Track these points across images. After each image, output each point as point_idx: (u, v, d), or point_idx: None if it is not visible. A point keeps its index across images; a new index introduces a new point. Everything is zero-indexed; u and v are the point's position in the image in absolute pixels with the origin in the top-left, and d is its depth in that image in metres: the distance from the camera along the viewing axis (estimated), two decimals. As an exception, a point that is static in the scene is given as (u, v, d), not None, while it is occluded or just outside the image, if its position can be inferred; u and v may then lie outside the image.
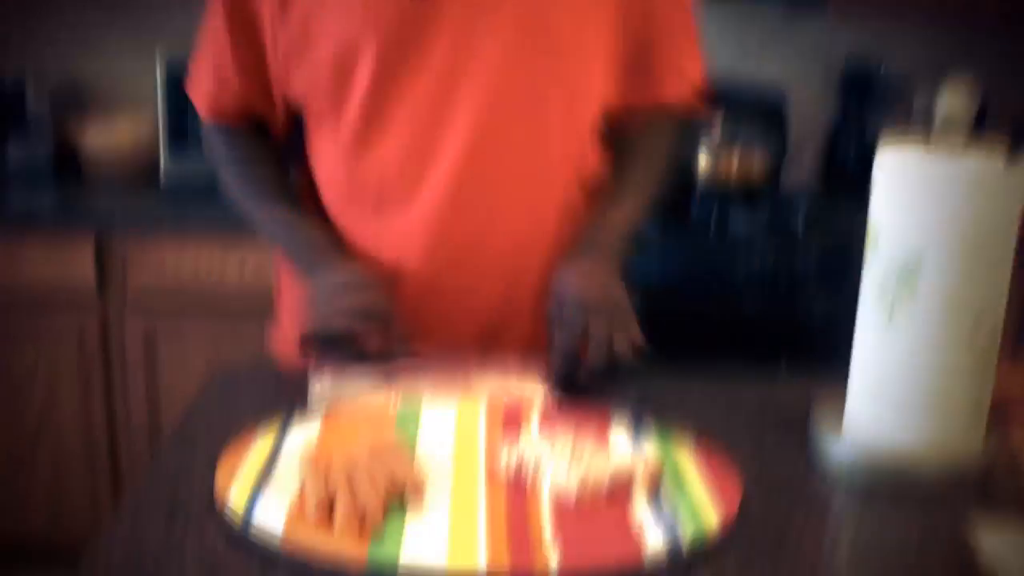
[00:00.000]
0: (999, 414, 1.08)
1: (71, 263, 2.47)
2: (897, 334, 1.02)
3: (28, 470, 2.59)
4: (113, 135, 2.81)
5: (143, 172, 2.79)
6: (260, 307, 2.42)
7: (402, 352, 1.20)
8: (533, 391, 1.17)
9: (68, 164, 2.83)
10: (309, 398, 1.14)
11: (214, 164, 1.48)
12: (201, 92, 1.42)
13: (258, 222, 1.44)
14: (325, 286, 1.27)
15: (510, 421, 1.08)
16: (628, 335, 1.21)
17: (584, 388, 1.19)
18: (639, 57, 1.38)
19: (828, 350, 2.39)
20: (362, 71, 1.27)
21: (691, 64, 1.44)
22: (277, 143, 1.45)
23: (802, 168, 3.05)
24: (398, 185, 1.32)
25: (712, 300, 2.45)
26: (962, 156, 0.99)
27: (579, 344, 1.20)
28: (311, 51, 1.30)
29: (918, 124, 2.93)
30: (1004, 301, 1.02)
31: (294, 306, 1.41)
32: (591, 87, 1.37)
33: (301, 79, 1.33)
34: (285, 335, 1.47)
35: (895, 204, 1.01)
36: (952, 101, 0.98)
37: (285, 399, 1.15)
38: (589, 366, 1.19)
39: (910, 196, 0.99)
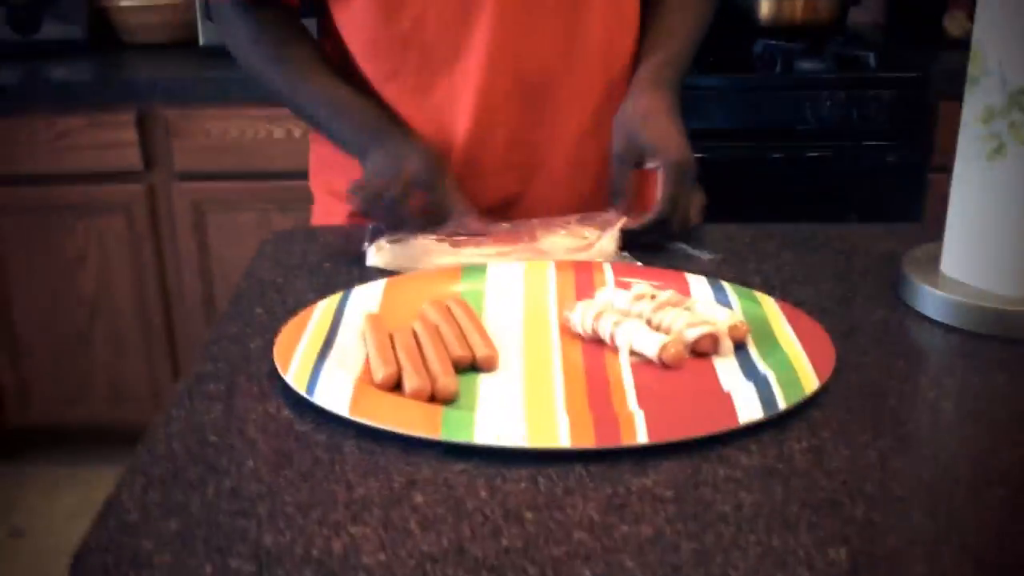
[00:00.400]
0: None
1: (114, 136, 2.45)
2: (1004, 171, 0.95)
3: (85, 350, 2.62)
4: (147, 2, 2.76)
5: (181, 39, 2.75)
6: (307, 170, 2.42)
7: (460, 223, 1.15)
8: (605, 243, 1.12)
9: (104, 36, 2.80)
10: (366, 260, 1.10)
11: (236, 47, 1.36)
12: None
13: (298, 105, 1.35)
14: (379, 162, 1.21)
15: (582, 279, 1.03)
16: (699, 197, 1.17)
17: (654, 245, 1.14)
18: None
19: (903, 200, 2.36)
20: None
21: None
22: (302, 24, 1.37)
23: (872, 7, 2.93)
24: (439, 45, 1.25)
25: (777, 148, 2.38)
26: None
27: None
28: None
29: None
30: None
31: (331, 191, 1.40)
32: None
33: None
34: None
35: (1005, 18, 0.92)
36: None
37: (344, 265, 1.11)
38: (668, 230, 1.14)
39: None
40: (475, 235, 1.14)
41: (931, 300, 0.98)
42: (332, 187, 1.38)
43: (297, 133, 2.40)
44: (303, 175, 2.40)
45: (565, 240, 1.13)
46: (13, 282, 2.56)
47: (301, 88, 1.31)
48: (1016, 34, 0.91)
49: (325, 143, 1.39)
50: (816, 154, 2.39)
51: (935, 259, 1.03)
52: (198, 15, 2.62)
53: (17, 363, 2.63)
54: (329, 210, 1.40)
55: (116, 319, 2.58)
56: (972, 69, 0.97)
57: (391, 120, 1.26)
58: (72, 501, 2.60)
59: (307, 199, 2.45)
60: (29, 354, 2.63)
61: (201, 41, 2.64)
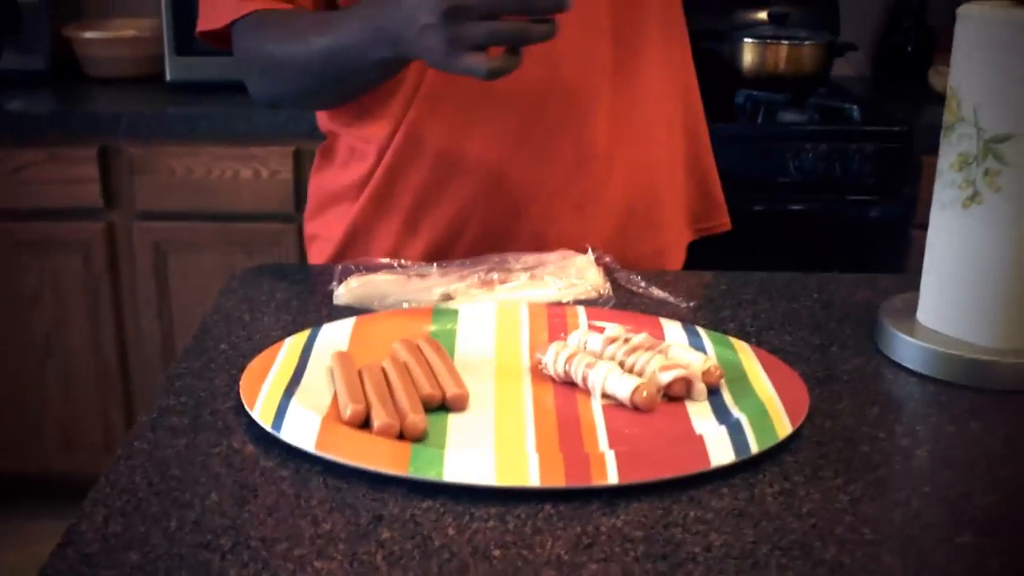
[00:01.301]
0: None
1: (74, 172, 2.47)
2: (978, 219, 0.98)
3: (37, 393, 2.61)
4: (113, 34, 2.80)
5: (146, 73, 2.78)
6: (277, 216, 2.44)
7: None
8: (581, 275, 1.15)
9: (66, 70, 2.83)
10: (335, 301, 1.12)
11: (271, 56, 1.26)
12: None
13: (306, 56, 1.21)
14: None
15: (555, 321, 1.05)
16: None
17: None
18: None
19: (885, 253, 2.41)
20: None
21: None
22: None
23: (856, 59, 3.00)
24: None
25: (760, 199, 2.42)
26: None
27: None
28: None
29: None
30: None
31: (329, 196, 1.38)
32: None
33: None
34: (320, 231, 1.41)
35: (980, 69, 0.96)
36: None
37: (313, 302, 1.14)
38: None
39: (998, 58, 0.95)
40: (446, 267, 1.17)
41: (906, 349, 1.01)
42: (328, 230, 1.39)
43: (265, 173, 2.43)
44: (271, 217, 2.46)
45: (542, 283, 1.15)
46: (-38, 320, 2.57)
47: (296, 46, 1.22)
48: (990, 81, 0.95)
49: (326, 177, 1.40)
50: (798, 207, 2.43)
51: (912, 308, 1.06)
52: (166, 49, 2.64)
53: (-35, 406, 2.63)
54: (322, 246, 1.40)
55: (69, 362, 2.58)
56: (947, 116, 1.00)
57: None
58: (15, 560, 2.55)
59: (273, 242, 2.50)
60: (-22, 397, 2.62)
61: (168, 76, 2.66)
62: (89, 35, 2.80)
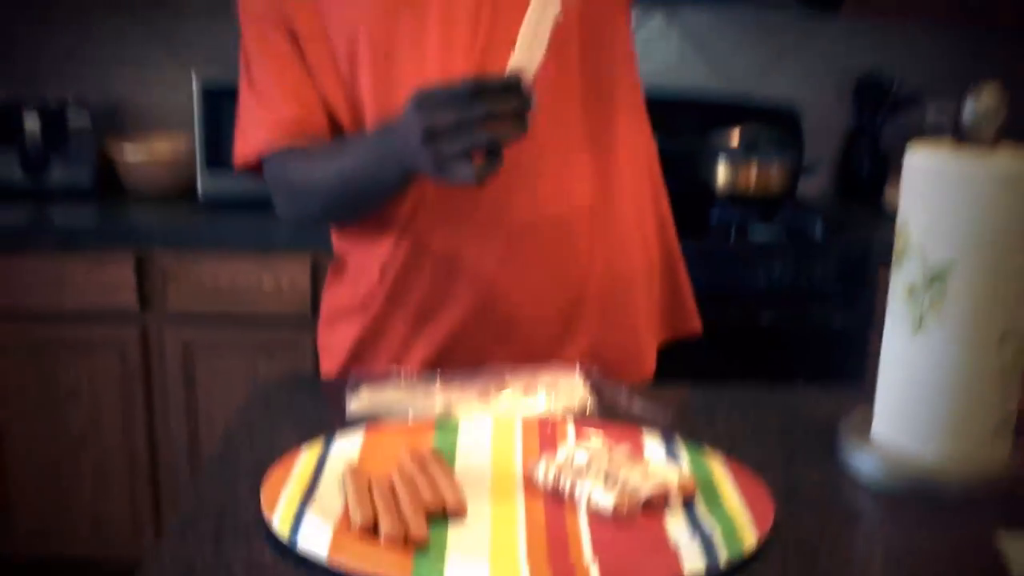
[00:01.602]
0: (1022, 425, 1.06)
1: (113, 279, 2.48)
2: (926, 344, 1.00)
3: (71, 483, 2.59)
4: (152, 153, 2.83)
5: (181, 189, 2.81)
6: (295, 320, 2.46)
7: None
8: (569, 389, 1.16)
9: (109, 182, 2.85)
10: (347, 412, 1.13)
11: (297, 181, 1.31)
12: (272, 122, 1.31)
13: (325, 180, 1.26)
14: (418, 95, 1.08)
15: (546, 434, 1.07)
16: None
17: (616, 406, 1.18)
18: None
19: (846, 360, 2.42)
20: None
21: None
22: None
23: (818, 178, 3.04)
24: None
25: (732, 310, 2.43)
26: (992, 155, 0.97)
27: None
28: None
29: (932, 134, 2.93)
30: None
31: (339, 310, 1.40)
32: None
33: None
34: (331, 341, 1.43)
35: (925, 206, 0.99)
36: (980, 105, 0.96)
37: (327, 413, 1.15)
38: None
39: (941, 197, 0.97)
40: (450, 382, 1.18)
41: (864, 462, 1.02)
42: (339, 341, 1.40)
43: (285, 282, 2.45)
44: (291, 323, 2.47)
45: (534, 395, 1.17)
46: (5, 414, 2.55)
47: (318, 171, 1.28)
48: (935, 217, 0.97)
49: (337, 294, 1.41)
50: (766, 318, 2.44)
51: (869, 423, 1.07)
52: (198, 169, 2.68)
53: (2, 492, 2.61)
54: (333, 355, 1.41)
55: (102, 455, 2.57)
56: (897, 247, 1.02)
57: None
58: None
59: (292, 345, 2.50)
60: (15, 484, 2.60)
61: (200, 191, 2.70)
62: (129, 153, 2.82)
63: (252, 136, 1.32)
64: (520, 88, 1.03)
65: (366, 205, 1.29)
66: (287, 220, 1.39)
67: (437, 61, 1.23)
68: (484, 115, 1.01)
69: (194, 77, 2.66)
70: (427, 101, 1.05)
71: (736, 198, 2.64)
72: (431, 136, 1.04)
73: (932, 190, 0.97)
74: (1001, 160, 0.94)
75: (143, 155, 2.83)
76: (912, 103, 2.98)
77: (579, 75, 1.29)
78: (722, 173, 2.64)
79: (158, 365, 2.53)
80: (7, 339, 2.51)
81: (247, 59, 1.34)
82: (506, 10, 1.18)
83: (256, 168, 1.35)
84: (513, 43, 1.06)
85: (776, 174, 2.66)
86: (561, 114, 1.27)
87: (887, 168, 2.99)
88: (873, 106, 2.99)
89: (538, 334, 1.32)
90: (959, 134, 0.98)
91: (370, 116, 1.28)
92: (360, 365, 1.36)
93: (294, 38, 1.31)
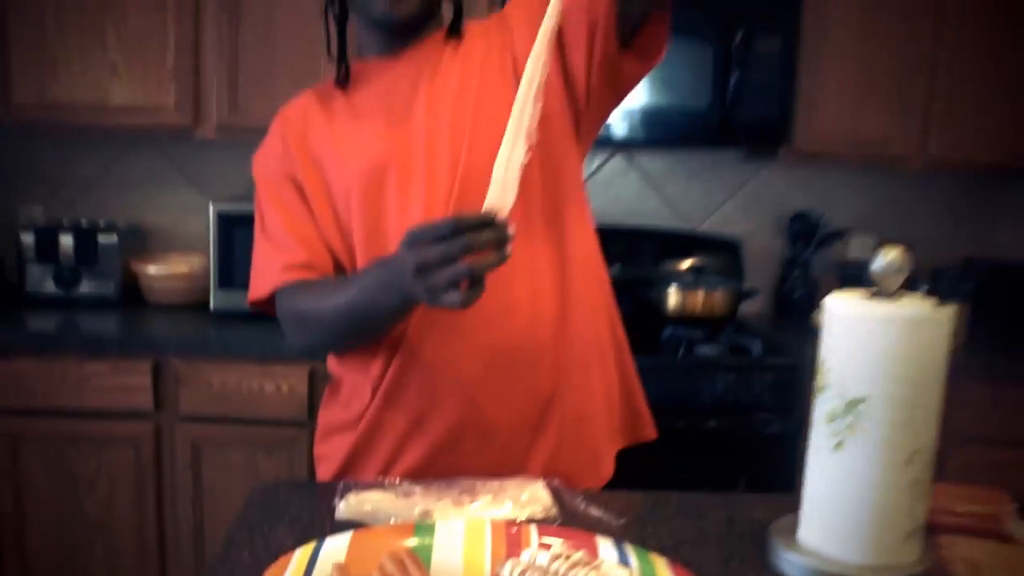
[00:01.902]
0: (931, 528, 1.07)
1: (131, 381, 2.47)
2: (844, 462, 1.02)
3: (86, 564, 2.55)
4: (171, 270, 2.85)
5: (195, 302, 2.83)
6: (293, 422, 2.45)
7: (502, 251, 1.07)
8: (533, 497, 1.17)
9: (132, 295, 2.87)
10: (336, 515, 1.13)
11: (305, 315, 1.31)
12: (283, 262, 1.33)
13: (333, 312, 1.27)
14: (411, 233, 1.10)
15: (512, 538, 1.07)
16: None
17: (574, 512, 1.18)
18: None
19: (783, 462, 2.43)
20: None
21: None
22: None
23: (758, 302, 3.09)
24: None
25: (681, 418, 2.44)
26: (898, 302, 1.00)
27: None
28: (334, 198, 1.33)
29: (854, 266, 2.99)
30: (936, 432, 1.03)
31: (334, 425, 1.41)
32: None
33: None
34: (327, 452, 1.42)
35: (841, 347, 1.01)
36: (887, 262, 0.99)
37: (319, 516, 1.14)
38: None
39: (855, 339, 1.00)
40: (429, 487, 1.18)
41: (790, 565, 1.03)
42: (333, 453, 1.40)
43: (285, 388, 2.45)
44: (289, 424, 2.46)
45: (503, 503, 1.17)
46: (29, 501, 2.52)
47: (325, 305, 1.28)
48: (850, 355, 1.00)
49: (332, 412, 1.41)
50: (712, 425, 2.44)
51: (796, 528, 1.08)
52: (211, 283, 2.70)
53: (24, 572, 2.56)
54: (328, 465, 1.41)
55: (116, 539, 2.53)
56: (818, 380, 1.05)
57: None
58: None
59: (289, 444, 2.49)
60: (36, 564, 2.55)
61: (212, 305, 2.71)
62: (151, 270, 2.85)
63: (266, 276, 1.35)
64: (496, 223, 1.05)
65: (370, 331, 1.29)
66: (298, 348, 1.40)
67: (420, 208, 1.27)
68: (465, 249, 1.04)
69: (210, 205, 2.70)
70: (417, 240, 1.07)
71: (685, 319, 2.66)
72: (422, 270, 1.06)
73: (847, 333, 1.00)
74: (905, 307, 0.98)
75: (163, 272, 2.85)
76: (837, 237, 3.05)
77: (541, 209, 1.32)
78: (673, 297, 2.66)
79: (168, 459, 2.51)
80: (34, 432, 2.49)
81: (261, 210, 1.38)
82: (478, 163, 1.22)
83: (266, 307, 1.38)
84: (485, 189, 1.09)
85: (720, 298, 2.68)
86: (527, 243, 1.30)
87: (816, 293, 3.04)
88: (804, 240, 3.05)
89: (510, 443, 1.33)
90: (867, 281, 1.02)
91: (361, 257, 1.31)
92: (352, 473, 1.36)
93: (300, 191, 1.35)
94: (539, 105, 1.08)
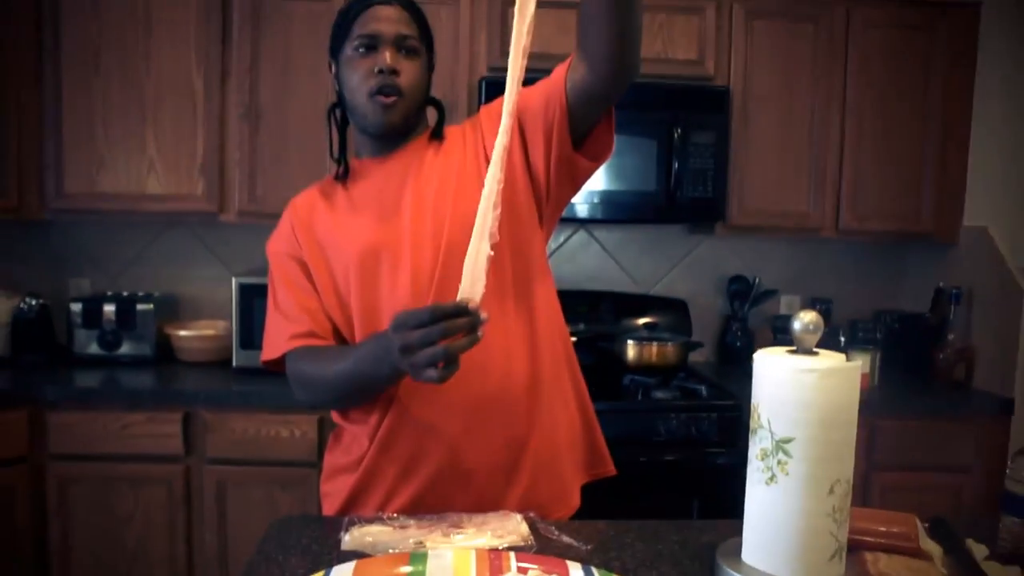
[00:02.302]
0: (856, 547, 1.08)
1: (164, 430, 2.45)
2: (776, 492, 1.02)
3: (124, 591, 2.49)
4: (199, 333, 2.84)
5: (220, 361, 2.81)
6: (305, 462, 2.43)
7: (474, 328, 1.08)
8: (512, 528, 1.16)
9: (165, 354, 2.85)
10: (342, 546, 1.12)
11: (311, 378, 1.32)
12: (291, 331, 1.35)
13: (335, 377, 1.28)
14: (398, 318, 1.13)
15: (495, 564, 1.06)
16: None
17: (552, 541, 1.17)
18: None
19: (729, 490, 2.42)
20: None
21: None
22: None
23: (704, 352, 3.10)
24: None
25: (641, 453, 2.43)
26: (815, 356, 1.01)
27: None
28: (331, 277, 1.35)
29: (784, 319, 3.01)
30: (852, 465, 1.04)
31: (337, 468, 1.40)
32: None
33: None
34: (331, 490, 1.42)
35: (770, 394, 1.02)
36: (804, 323, 1.01)
37: (327, 547, 1.13)
38: None
39: (780, 389, 1.01)
40: (422, 523, 1.18)
41: (734, 584, 1.03)
42: (336, 491, 1.39)
43: (298, 433, 2.43)
44: (301, 464, 2.44)
45: (485, 534, 1.16)
46: (75, 535, 2.47)
47: (327, 371, 1.30)
48: (777, 403, 1.01)
49: (335, 455, 1.40)
50: (668, 458, 2.43)
51: (739, 550, 1.09)
52: (234, 344, 2.69)
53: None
54: (333, 502, 1.40)
55: (151, 567, 2.47)
56: (752, 423, 1.06)
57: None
58: None
59: (301, 481, 2.47)
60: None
61: (234, 363, 2.69)
62: (182, 333, 2.84)
63: (276, 342, 1.36)
64: (469, 311, 1.07)
65: (365, 395, 1.31)
66: (305, 404, 1.40)
67: (408, 286, 1.28)
68: (443, 333, 1.06)
69: (233, 278, 2.71)
70: (401, 325, 1.10)
71: (642, 368, 2.67)
72: (405, 350, 1.09)
73: (773, 383, 1.01)
74: (821, 361, 0.99)
75: (192, 334, 2.83)
76: (769, 296, 3.08)
77: (512, 282, 1.33)
78: (631, 350, 2.67)
79: (197, 497, 2.47)
80: (80, 475, 2.45)
81: (273, 285, 1.39)
82: (457, 246, 1.23)
83: (277, 366, 1.38)
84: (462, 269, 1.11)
85: (672, 350, 2.70)
86: (501, 312, 1.31)
87: (753, 343, 3.06)
88: (741, 299, 3.07)
89: (490, 483, 1.32)
90: (790, 338, 1.03)
91: (358, 326, 1.32)
92: (354, 509, 1.35)
93: (306, 270, 1.36)
94: (497, 211, 1.10)
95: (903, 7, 2.83)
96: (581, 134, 1.29)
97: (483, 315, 1.07)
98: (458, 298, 1.08)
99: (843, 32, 2.79)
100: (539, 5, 2.46)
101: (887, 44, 2.80)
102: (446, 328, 1.06)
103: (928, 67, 2.82)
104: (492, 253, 1.09)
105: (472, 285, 1.08)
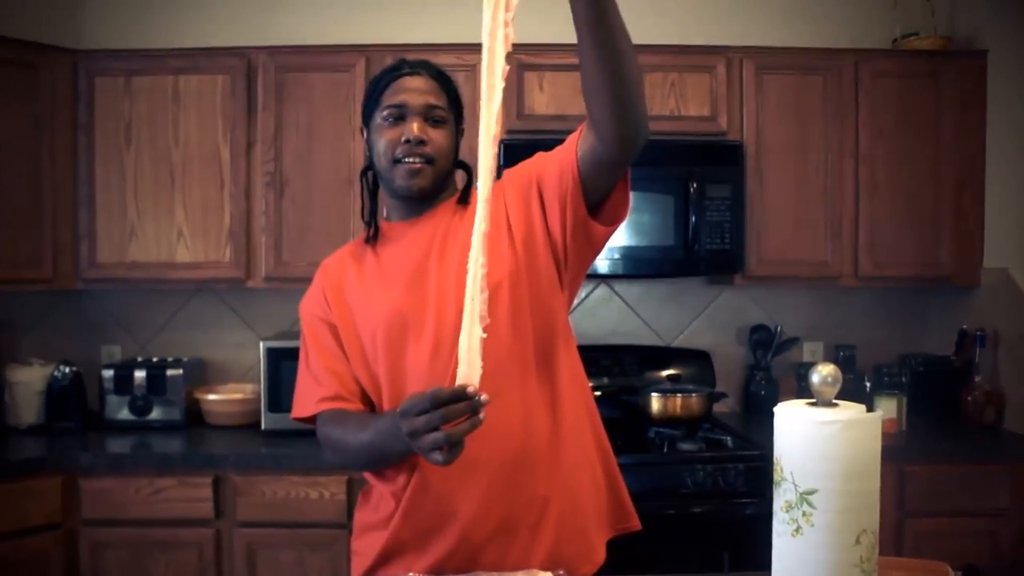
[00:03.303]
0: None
1: (195, 494, 2.47)
2: (803, 544, 1.03)
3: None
4: (227, 397, 2.87)
5: (249, 424, 2.83)
6: (334, 523, 2.44)
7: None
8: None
9: (195, 419, 2.88)
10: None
11: (337, 444, 1.37)
12: (319, 395, 1.39)
13: (358, 446, 1.33)
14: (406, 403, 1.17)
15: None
16: None
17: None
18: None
19: (757, 541, 2.38)
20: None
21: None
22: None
23: (728, 403, 3.09)
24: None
25: (668, 505, 2.41)
26: (835, 408, 1.03)
27: None
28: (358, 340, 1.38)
29: (808, 366, 3.00)
30: (877, 514, 1.04)
31: (367, 526, 1.42)
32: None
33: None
34: (361, 549, 1.43)
35: (792, 446, 1.04)
36: (823, 375, 1.03)
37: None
38: None
39: (802, 441, 1.02)
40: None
41: (764, 637, 1.03)
42: (366, 549, 1.40)
43: (327, 495, 2.44)
44: (329, 525, 2.44)
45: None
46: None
47: (351, 440, 1.34)
48: (799, 455, 1.03)
49: (364, 513, 1.42)
50: (696, 510, 2.41)
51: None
52: (262, 407, 2.71)
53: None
54: (362, 560, 1.41)
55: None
56: (775, 476, 1.07)
57: None
58: None
59: (331, 543, 2.47)
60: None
61: (263, 425, 2.71)
62: (211, 397, 2.87)
63: (306, 403, 1.41)
64: (467, 395, 1.10)
65: (387, 463, 1.35)
66: (335, 465, 1.43)
67: (430, 351, 1.31)
68: (443, 419, 1.10)
69: (260, 342, 2.76)
70: (407, 411, 1.14)
71: (667, 420, 2.66)
72: (411, 435, 1.13)
73: (795, 436, 1.03)
74: (841, 412, 1.01)
75: (221, 398, 2.87)
76: (791, 343, 3.07)
77: (534, 346, 1.35)
78: (655, 402, 2.66)
79: (227, 560, 2.48)
80: (113, 539, 2.47)
81: (305, 345, 1.43)
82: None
83: (307, 420, 1.41)
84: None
85: (696, 401, 2.68)
86: (523, 374, 1.33)
87: (778, 392, 3.05)
88: (764, 348, 3.07)
89: (515, 541, 1.33)
90: (809, 391, 1.05)
91: (385, 388, 1.35)
92: (384, 568, 1.36)
93: (335, 332, 1.40)
94: (485, 295, 1.12)
95: (910, 57, 2.87)
96: (597, 199, 1.32)
97: (483, 397, 1.10)
98: (456, 383, 1.11)
99: (852, 83, 2.84)
100: (554, 68, 2.56)
101: (896, 93, 2.84)
102: (446, 414, 1.09)
103: (938, 113, 2.85)
104: (484, 335, 1.11)
105: (469, 369, 1.11)
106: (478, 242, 1.12)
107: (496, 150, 1.11)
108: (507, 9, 1.07)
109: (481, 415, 1.10)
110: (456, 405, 1.09)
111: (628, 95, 1.18)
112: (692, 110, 2.80)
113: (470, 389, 1.10)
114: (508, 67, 1.10)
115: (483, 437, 1.17)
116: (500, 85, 1.09)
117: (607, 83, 1.16)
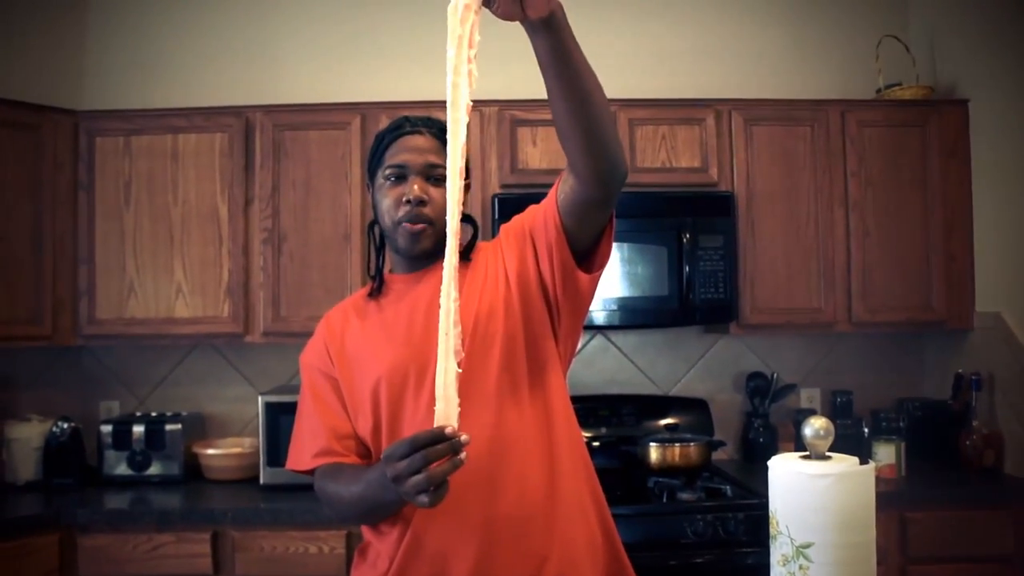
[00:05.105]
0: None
1: (194, 548, 2.45)
2: (801, 596, 1.03)
3: None
4: (226, 452, 2.86)
5: (247, 478, 2.82)
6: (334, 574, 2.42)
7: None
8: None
9: (194, 473, 2.87)
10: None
11: (332, 498, 1.37)
12: (314, 448, 1.39)
13: (350, 499, 1.32)
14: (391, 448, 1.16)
15: None
16: None
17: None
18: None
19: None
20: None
21: None
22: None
23: (727, 451, 3.08)
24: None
25: (668, 556, 2.39)
26: (828, 461, 1.04)
27: None
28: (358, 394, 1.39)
29: (804, 415, 3.00)
30: (875, 565, 1.04)
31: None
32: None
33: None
34: None
35: (786, 500, 1.04)
36: (815, 429, 1.04)
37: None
38: None
39: (795, 494, 1.03)
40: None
41: None
42: None
43: (326, 549, 2.42)
44: (330, 580, 2.42)
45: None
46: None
47: (344, 493, 1.34)
48: (794, 508, 1.03)
49: (361, 570, 1.41)
50: (697, 560, 2.39)
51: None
52: (261, 461, 2.71)
53: None
54: None
55: None
56: (771, 529, 1.07)
57: None
58: None
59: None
60: None
61: (262, 480, 2.71)
62: (210, 451, 2.86)
63: (301, 456, 1.41)
64: (446, 436, 1.09)
65: (381, 515, 1.35)
66: (333, 519, 1.43)
67: (430, 403, 1.31)
68: (425, 461, 1.09)
69: (259, 397, 2.76)
70: (389, 456, 1.13)
71: (666, 470, 2.65)
72: (395, 480, 1.12)
73: (789, 489, 1.03)
74: (834, 465, 1.02)
75: (219, 453, 2.86)
76: (788, 390, 3.08)
77: (529, 400, 1.35)
78: (654, 452, 2.65)
79: (226, 619, 2.45)
80: (109, 599, 2.45)
81: (303, 398, 1.44)
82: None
83: (302, 473, 1.42)
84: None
85: (694, 450, 2.67)
86: (520, 424, 1.33)
87: (776, 438, 3.05)
88: (761, 395, 3.07)
89: None
90: (802, 443, 1.06)
91: (385, 437, 1.35)
92: None
93: (334, 383, 1.41)
94: (458, 329, 1.13)
95: (895, 107, 2.93)
96: (584, 246, 1.34)
97: (463, 437, 1.09)
98: (435, 424, 1.11)
99: (839, 132, 2.89)
100: (547, 123, 2.60)
101: (883, 141, 2.89)
102: (427, 456, 1.09)
103: (925, 160, 2.90)
104: (460, 370, 1.11)
105: (446, 408, 1.10)
106: (449, 276, 1.12)
107: (463, 182, 1.12)
108: (470, 46, 1.08)
109: (462, 455, 1.10)
110: (436, 447, 1.09)
111: (600, 132, 1.21)
112: (683, 161, 2.85)
113: (448, 430, 1.09)
114: (471, 103, 1.10)
115: (476, 493, 1.16)
116: (464, 119, 1.10)
117: (578, 122, 1.20)
